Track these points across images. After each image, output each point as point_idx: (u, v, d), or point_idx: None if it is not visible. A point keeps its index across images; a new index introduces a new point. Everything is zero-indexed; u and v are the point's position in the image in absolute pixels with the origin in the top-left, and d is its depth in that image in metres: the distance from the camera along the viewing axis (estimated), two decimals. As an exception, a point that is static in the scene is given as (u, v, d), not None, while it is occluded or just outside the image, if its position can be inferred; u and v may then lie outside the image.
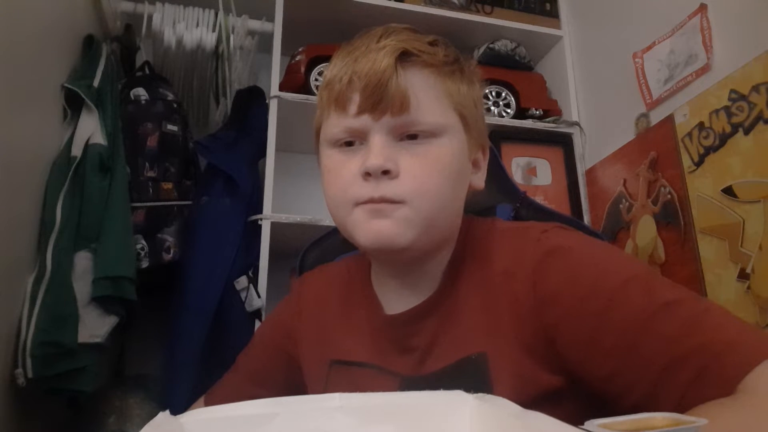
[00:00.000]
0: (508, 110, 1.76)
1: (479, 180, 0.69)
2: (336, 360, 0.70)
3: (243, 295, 1.37)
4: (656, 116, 1.48)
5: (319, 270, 0.82)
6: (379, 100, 0.59)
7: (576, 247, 0.60)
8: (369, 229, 0.59)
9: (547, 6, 1.91)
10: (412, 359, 0.64)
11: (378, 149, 0.59)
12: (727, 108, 1.25)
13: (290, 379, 0.76)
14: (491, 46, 1.83)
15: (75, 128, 1.25)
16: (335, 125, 0.63)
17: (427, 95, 0.61)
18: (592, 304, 0.55)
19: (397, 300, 0.67)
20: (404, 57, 0.61)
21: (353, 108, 0.60)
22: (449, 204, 0.63)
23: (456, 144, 0.63)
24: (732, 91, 1.24)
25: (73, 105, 1.28)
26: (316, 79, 1.62)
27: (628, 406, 0.52)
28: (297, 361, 0.75)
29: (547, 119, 1.78)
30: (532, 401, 0.51)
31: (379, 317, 0.68)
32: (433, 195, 0.60)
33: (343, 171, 0.61)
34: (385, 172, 0.58)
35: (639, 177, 1.50)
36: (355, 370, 0.68)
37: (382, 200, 0.58)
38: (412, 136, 0.61)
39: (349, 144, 0.62)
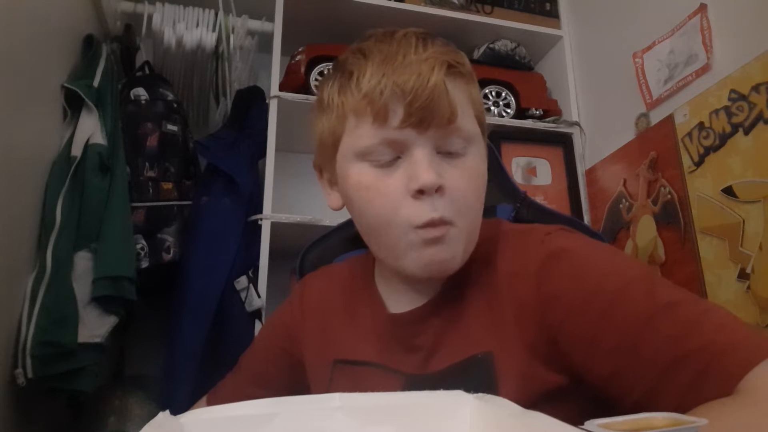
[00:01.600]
0: (508, 110, 1.77)
1: None
2: (339, 359, 0.70)
3: (243, 295, 1.37)
4: (656, 116, 1.48)
5: (321, 271, 0.82)
6: (429, 114, 0.58)
7: (579, 249, 0.61)
8: (423, 257, 0.59)
9: (547, 6, 1.91)
10: (416, 358, 0.64)
11: (426, 164, 0.57)
12: (727, 108, 1.25)
13: (293, 381, 0.76)
14: (491, 46, 1.83)
15: (75, 128, 1.25)
16: (370, 136, 0.59)
17: (464, 105, 0.61)
18: (594, 304, 0.55)
19: (401, 299, 0.67)
20: (447, 69, 0.60)
21: (395, 121, 0.58)
22: (480, 214, 0.64)
23: (482, 150, 0.64)
24: (732, 91, 1.24)
25: (73, 105, 1.28)
26: (316, 79, 1.62)
27: (629, 405, 0.52)
28: (300, 363, 0.75)
29: (547, 119, 1.78)
30: (536, 400, 0.51)
31: (384, 316, 0.68)
32: (474, 210, 0.61)
33: (386, 189, 0.59)
34: (438, 189, 0.57)
35: (639, 177, 1.50)
36: (358, 369, 0.68)
37: (442, 222, 0.58)
38: (452, 151, 0.60)
39: (386, 160, 0.60)
